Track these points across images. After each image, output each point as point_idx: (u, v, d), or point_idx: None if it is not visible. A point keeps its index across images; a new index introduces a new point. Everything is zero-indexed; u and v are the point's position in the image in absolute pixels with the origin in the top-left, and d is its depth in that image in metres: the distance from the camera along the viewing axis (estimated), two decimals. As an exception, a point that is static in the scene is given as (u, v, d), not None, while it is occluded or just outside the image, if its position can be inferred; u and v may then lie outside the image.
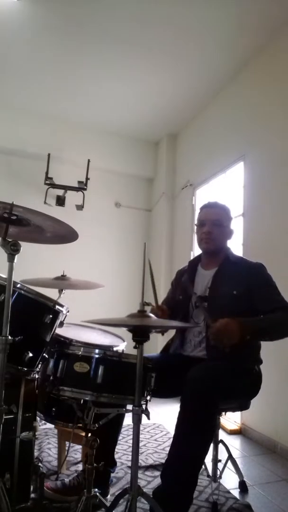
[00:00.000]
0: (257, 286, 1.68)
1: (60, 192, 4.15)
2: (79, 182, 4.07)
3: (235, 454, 2.34)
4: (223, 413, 1.85)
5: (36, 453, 1.91)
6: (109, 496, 1.73)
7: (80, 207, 4.14)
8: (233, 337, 1.47)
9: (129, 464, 1.97)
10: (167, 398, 1.78)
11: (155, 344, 2.71)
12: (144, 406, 1.24)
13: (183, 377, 1.51)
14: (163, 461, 2.12)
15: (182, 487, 1.42)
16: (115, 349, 1.63)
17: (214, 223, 1.82)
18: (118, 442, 1.86)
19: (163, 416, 2.93)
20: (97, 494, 1.34)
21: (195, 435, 1.43)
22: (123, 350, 1.69)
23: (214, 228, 1.81)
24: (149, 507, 1.40)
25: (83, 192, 4.10)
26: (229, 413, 2.74)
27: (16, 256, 1.26)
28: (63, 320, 1.57)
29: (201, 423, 1.44)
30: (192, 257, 1.97)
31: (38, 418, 1.58)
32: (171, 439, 1.51)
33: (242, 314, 1.61)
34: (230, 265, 1.79)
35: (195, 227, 1.91)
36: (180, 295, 1.91)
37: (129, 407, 1.25)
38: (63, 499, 1.63)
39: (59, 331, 1.59)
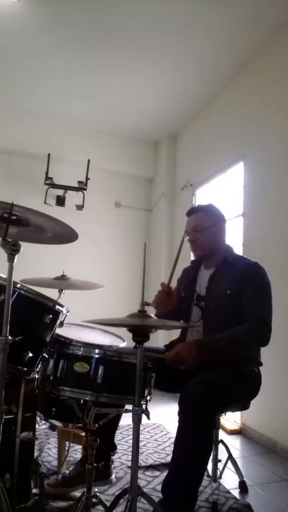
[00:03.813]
0: (246, 287, 1.66)
1: (60, 192, 4.15)
2: (79, 182, 4.07)
3: (235, 454, 2.33)
4: (224, 413, 1.86)
5: (36, 453, 1.92)
6: (112, 476, 1.76)
7: (80, 207, 4.14)
8: (189, 361, 1.48)
9: (129, 464, 1.97)
10: (167, 392, 1.79)
11: (155, 345, 2.70)
12: (144, 406, 1.24)
13: (182, 374, 1.52)
14: (163, 461, 2.14)
15: (182, 502, 1.41)
16: (114, 348, 1.63)
17: (194, 229, 1.79)
18: (118, 442, 1.87)
19: (163, 416, 2.93)
20: (97, 494, 1.35)
21: (192, 448, 1.42)
22: (123, 350, 1.69)
23: (196, 234, 1.79)
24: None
25: (83, 192, 4.10)
26: (229, 413, 2.75)
27: (16, 256, 1.26)
28: (63, 320, 1.57)
29: (202, 438, 1.42)
30: (192, 257, 1.97)
31: (38, 418, 1.58)
32: (171, 439, 1.52)
33: (235, 314, 1.63)
34: (227, 266, 1.76)
35: None
36: (184, 292, 1.91)
37: (129, 407, 1.25)
38: (65, 491, 1.64)
39: (59, 331, 1.59)
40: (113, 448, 1.84)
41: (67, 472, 1.76)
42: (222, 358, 1.58)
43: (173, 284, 1.94)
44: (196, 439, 1.42)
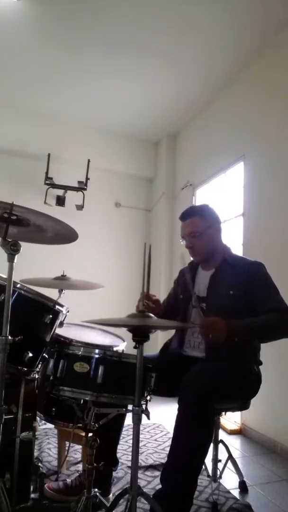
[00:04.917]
0: (254, 286, 1.66)
1: (60, 192, 4.15)
2: (79, 182, 4.07)
3: (235, 454, 2.33)
4: (223, 413, 1.85)
5: (36, 453, 1.92)
6: (111, 495, 1.73)
7: (80, 207, 4.14)
8: (219, 335, 1.49)
9: (129, 464, 1.97)
10: (167, 397, 1.78)
11: (155, 344, 2.70)
12: (144, 406, 1.24)
13: (182, 377, 1.51)
14: (163, 461, 2.13)
15: (182, 490, 1.42)
16: (115, 349, 1.63)
17: (190, 235, 1.78)
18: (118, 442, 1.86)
19: (163, 416, 2.93)
20: (97, 494, 1.34)
21: (193, 438, 1.42)
22: (123, 350, 1.69)
23: (193, 240, 1.78)
24: (149, 507, 1.40)
25: (83, 192, 4.10)
26: (229, 413, 2.75)
27: (16, 256, 1.26)
28: (63, 320, 1.57)
29: (199, 426, 1.43)
30: (190, 258, 1.96)
31: (38, 418, 1.58)
32: (171, 439, 1.51)
33: (239, 314, 1.62)
34: (227, 266, 1.76)
35: None
36: (181, 294, 1.91)
37: (129, 407, 1.25)
38: (65, 499, 1.62)
39: (59, 331, 1.59)
40: (115, 463, 1.82)
41: (70, 480, 1.74)
42: (222, 355, 1.58)
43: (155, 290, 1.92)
44: (195, 434, 1.42)
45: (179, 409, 1.47)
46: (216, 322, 1.51)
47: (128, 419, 1.27)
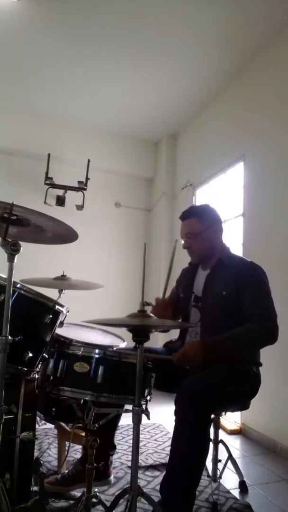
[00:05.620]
0: (244, 287, 1.64)
1: (60, 192, 4.15)
2: (79, 182, 4.07)
3: (235, 454, 2.33)
4: (223, 413, 1.85)
5: (36, 453, 1.92)
6: (111, 477, 1.74)
7: (80, 207, 4.14)
8: (196, 360, 1.51)
9: (129, 464, 1.97)
10: (167, 392, 1.78)
11: (155, 344, 2.70)
12: (144, 406, 1.24)
13: (181, 374, 1.52)
14: (163, 461, 2.14)
15: (182, 502, 1.41)
16: (115, 349, 1.63)
17: (188, 236, 1.78)
18: (118, 442, 1.87)
19: (163, 416, 2.93)
20: (97, 494, 1.35)
21: (190, 449, 1.42)
22: (123, 350, 1.69)
23: (189, 241, 1.77)
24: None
25: (83, 192, 4.10)
26: (229, 413, 2.75)
27: (16, 256, 1.26)
28: (63, 320, 1.57)
29: (196, 438, 1.42)
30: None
31: (38, 418, 1.58)
32: (171, 440, 1.51)
33: (230, 315, 1.62)
34: (222, 267, 1.75)
35: None
36: (182, 293, 1.91)
37: (129, 407, 1.25)
38: (64, 490, 1.64)
39: (59, 331, 1.59)
40: (112, 448, 1.84)
41: (66, 471, 1.76)
42: (223, 357, 1.58)
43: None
44: (192, 439, 1.42)
45: (175, 420, 1.46)
46: (187, 351, 1.53)
47: (128, 419, 1.27)
